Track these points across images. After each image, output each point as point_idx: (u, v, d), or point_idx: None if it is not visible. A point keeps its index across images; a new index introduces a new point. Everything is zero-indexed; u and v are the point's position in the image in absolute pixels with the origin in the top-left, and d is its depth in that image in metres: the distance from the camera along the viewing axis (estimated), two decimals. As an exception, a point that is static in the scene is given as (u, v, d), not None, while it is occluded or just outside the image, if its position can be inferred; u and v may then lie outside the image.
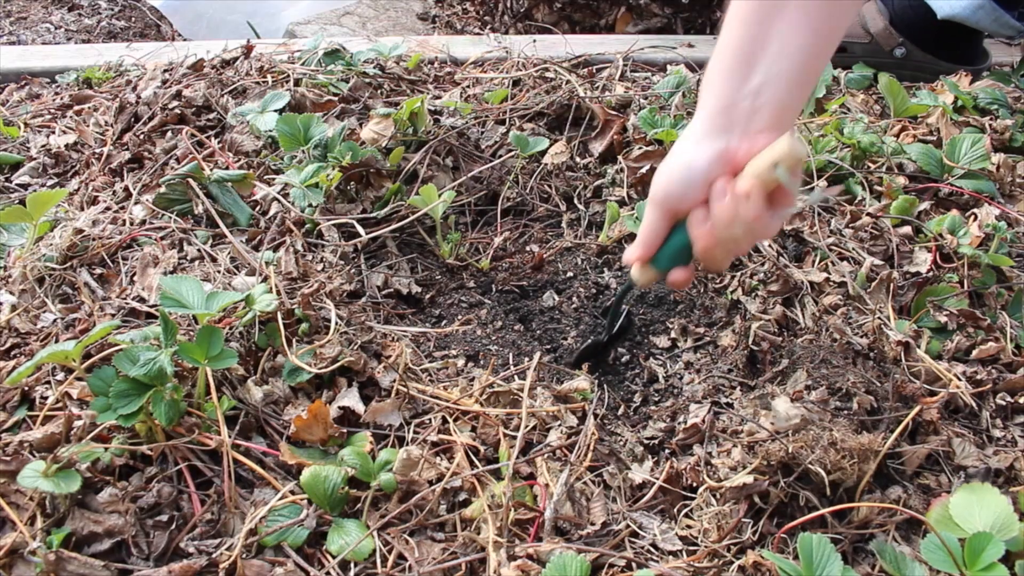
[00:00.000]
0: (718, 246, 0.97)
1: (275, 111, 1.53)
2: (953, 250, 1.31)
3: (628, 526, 0.92)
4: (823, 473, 0.90)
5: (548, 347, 1.23)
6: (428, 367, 1.12)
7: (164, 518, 0.87)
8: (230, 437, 0.94)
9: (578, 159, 1.60)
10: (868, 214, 1.39)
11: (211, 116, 1.63)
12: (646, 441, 1.04)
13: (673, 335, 1.22)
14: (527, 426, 1.00)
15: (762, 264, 1.29)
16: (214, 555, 0.85)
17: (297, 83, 1.66)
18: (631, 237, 1.41)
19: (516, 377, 1.11)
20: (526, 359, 1.15)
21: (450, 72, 1.98)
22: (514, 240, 1.44)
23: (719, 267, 1.03)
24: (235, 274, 1.20)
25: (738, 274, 1.29)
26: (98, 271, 1.23)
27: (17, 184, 1.55)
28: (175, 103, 1.63)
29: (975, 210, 1.42)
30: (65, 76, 1.98)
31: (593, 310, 1.29)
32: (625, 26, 2.57)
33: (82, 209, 1.41)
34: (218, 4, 2.89)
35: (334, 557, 0.86)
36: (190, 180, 1.35)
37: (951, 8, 1.83)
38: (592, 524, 0.91)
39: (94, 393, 0.89)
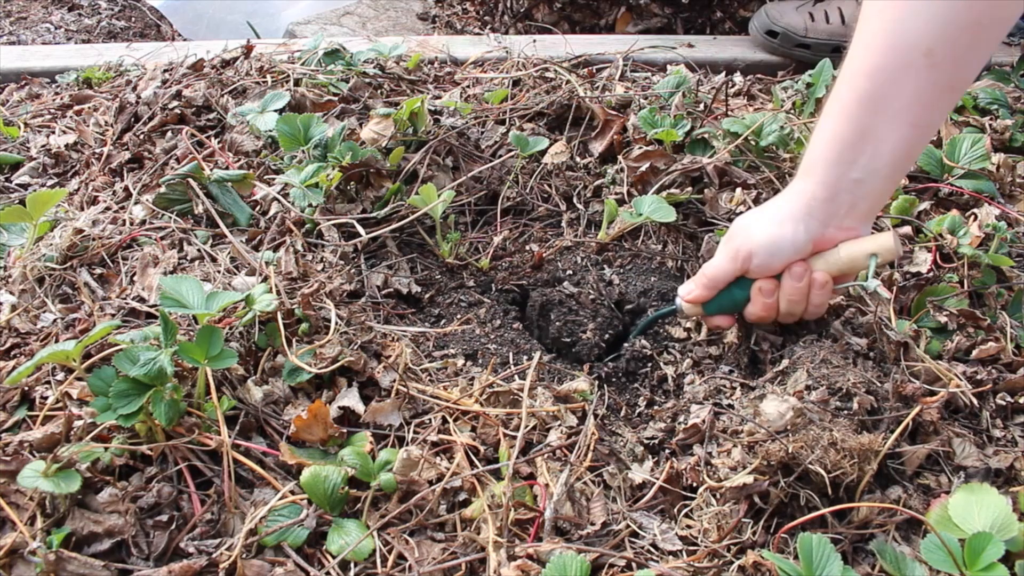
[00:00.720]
0: (773, 315, 1.08)
1: (275, 111, 1.53)
2: (953, 250, 1.31)
3: (628, 526, 0.92)
4: (823, 473, 0.90)
5: (568, 340, 1.23)
6: (428, 367, 1.12)
7: (164, 518, 0.87)
8: (230, 437, 0.94)
9: (578, 159, 1.60)
10: (868, 214, 1.39)
11: (211, 116, 1.63)
12: (646, 441, 1.04)
13: (688, 325, 1.22)
14: (527, 426, 1.00)
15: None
16: (214, 555, 0.85)
17: (297, 83, 1.66)
18: (631, 234, 1.42)
19: (516, 377, 1.11)
20: (525, 358, 1.15)
21: (450, 72, 1.98)
22: (514, 240, 1.44)
23: (761, 322, 1.14)
24: (235, 274, 1.20)
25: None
26: (98, 271, 1.23)
27: (17, 184, 1.55)
28: (175, 103, 1.63)
29: (975, 210, 1.42)
30: (65, 76, 1.98)
31: (608, 301, 1.30)
32: (625, 26, 2.57)
33: (82, 209, 1.41)
34: (218, 4, 2.89)
35: (334, 557, 0.86)
36: (190, 180, 1.35)
37: None
38: (592, 524, 0.91)
39: (94, 393, 0.89)
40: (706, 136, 1.56)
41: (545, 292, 1.30)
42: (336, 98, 1.63)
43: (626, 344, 1.21)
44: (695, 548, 0.90)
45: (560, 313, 1.26)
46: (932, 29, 0.91)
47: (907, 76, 0.93)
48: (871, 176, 0.98)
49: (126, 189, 1.43)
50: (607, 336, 1.24)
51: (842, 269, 1.04)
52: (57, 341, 1.08)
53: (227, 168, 1.43)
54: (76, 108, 1.83)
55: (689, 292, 1.12)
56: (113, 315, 1.12)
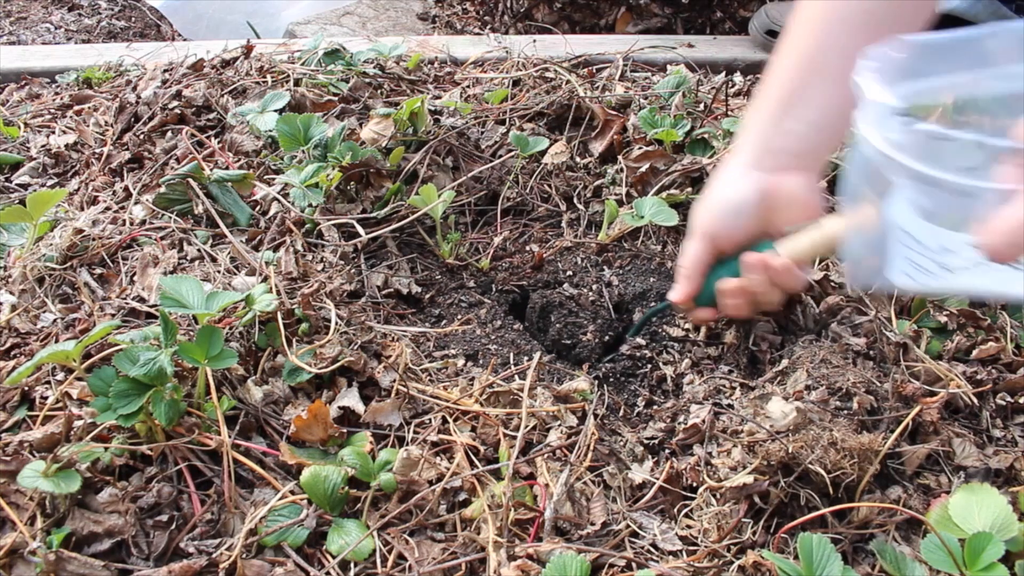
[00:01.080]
0: (749, 312, 1.06)
1: (275, 111, 1.53)
2: (953, 250, 1.31)
3: (628, 526, 0.92)
4: (823, 473, 0.90)
5: (568, 342, 1.23)
6: (428, 367, 1.12)
7: (164, 518, 0.87)
8: (230, 437, 0.94)
9: (578, 159, 1.60)
10: (868, 214, 1.39)
11: (211, 116, 1.63)
12: (646, 441, 1.04)
13: (687, 325, 1.22)
14: (527, 426, 1.00)
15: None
16: (214, 555, 0.85)
17: (297, 83, 1.66)
18: (631, 234, 1.41)
19: (516, 377, 1.11)
20: (525, 358, 1.15)
21: (450, 72, 1.98)
22: (514, 240, 1.44)
23: (744, 317, 1.11)
24: (235, 274, 1.20)
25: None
26: (98, 271, 1.23)
27: (17, 184, 1.55)
28: (175, 103, 1.63)
29: (975, 210, 1.42)
30: (65, 76, 1.98)
31: (601, 301, 1.29)
32: (625, 26, 2.57)
33: (82, 209, 1.41)
34: (218, 4, 2.89)
35: (334, 557, 0.86)
36: (190, 180, 1.35)
37: (949, 1, 1.84)
38: (592, 524, 0.91)
39: (94, 393, 0.89)
40: (706, 136, 1.56)
41: (545, 294, 1.29)
42: (336, 98, 1.63)
43: (624, 346, 1.21)
44: (695, 548, 0.90)
45: (560, 315, 1.26)
46: None
47: (842, 38, 0.95)
48: (802, 126, 0.98)
49: (126, 189, 1.43)
50: (607, 338, 1.24)
51: (828, 246, 0.99)
52: (57, 341, 1.08)
53: (227, 168, 1.43)
54: (76, 108, 1.83)
55: (676, 293, 1.10)
56: (113, 315, 1.12)
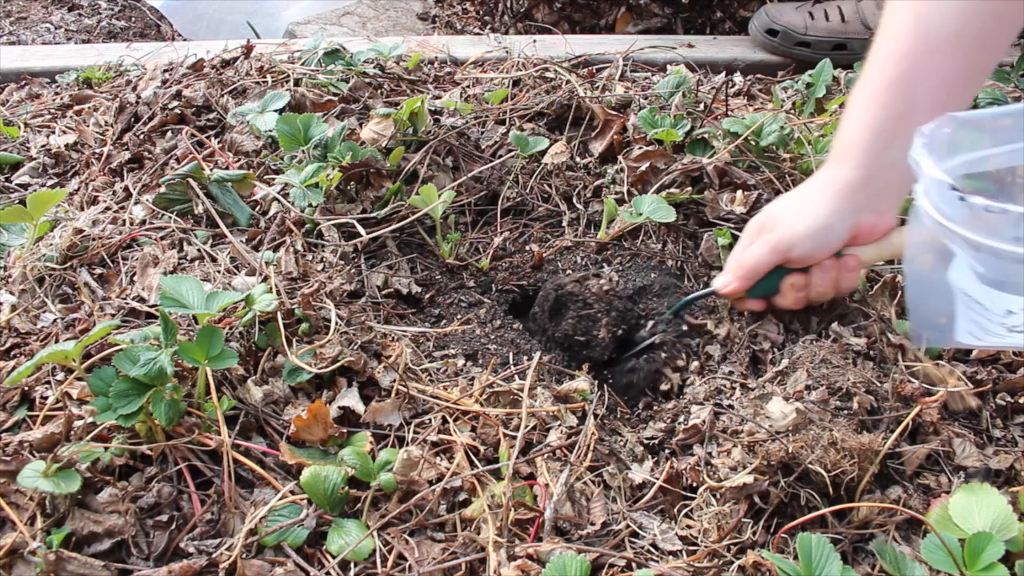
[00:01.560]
0: (804, 305, 1.12)
1: (275, 111, 1.53)
2: (953, 250, 1.31)
3: (628, 526, 0.92)
4: (823, 473, 0.90)
5: (582, 338, 1.21)
6: (428, 367, 1.12)
7: (164, 518, 0.88)
8: (230, 437, 0.94)
9: (578, 159, 1.60)
10: (868, 214, 1.38)
11: (211, 116, 1.63)
12: (646, 441, 1.04)
13: (708, 323, 1.22)
14: (527, 426, 1.00)
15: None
16: (214, 555, 0.85)
17: (297, 83, 1.66)
18: (631, 233, 1.41)
19: (516, 377, 1.11)
20: (525, 358, 1.15)
21: (450, 72, 1.98)
22: (514, 240, 1.44)
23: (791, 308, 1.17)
24: (235, 274, 1.20)
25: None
26: (98, 271, 1.23)
27: (17, 184, 1.55)
28: (175, 103, 1.63)
29: (975, 210, 1.42)
30: (65, 76, 1.98)
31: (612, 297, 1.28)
32: (625, 26, 2.57)
33: (82, 209, 1.41)
34: (218, 4, 2.89)
35: (334, 557, 0.86)
36: (190, 180, 1.35)
37: None
38: (592, 524, 0.91)
39: (94, 393, 0.89)
40: (706, 136, 1.56)
41: (562, 284, 1.24)
42: (336, 98, 1.63)
43: (657, 322, 1.20)
44: (695, 548, 0.90)
45: (575, 308, 1.21)
46: (958, 13, 0.94)
47: (935, 60, 0.96)
48: (903, 161, 1.00)
49: (126, 189, 1.43)
50: (619, 332, 1.22)
51: (893, 255, 1.08)
52: (57, 341, 1.08)
53: (227, 168, 1.43)
54: (76, 108, 1.83)
55: (727, 284, 1.13)
56: (113, 315, 1.12)
